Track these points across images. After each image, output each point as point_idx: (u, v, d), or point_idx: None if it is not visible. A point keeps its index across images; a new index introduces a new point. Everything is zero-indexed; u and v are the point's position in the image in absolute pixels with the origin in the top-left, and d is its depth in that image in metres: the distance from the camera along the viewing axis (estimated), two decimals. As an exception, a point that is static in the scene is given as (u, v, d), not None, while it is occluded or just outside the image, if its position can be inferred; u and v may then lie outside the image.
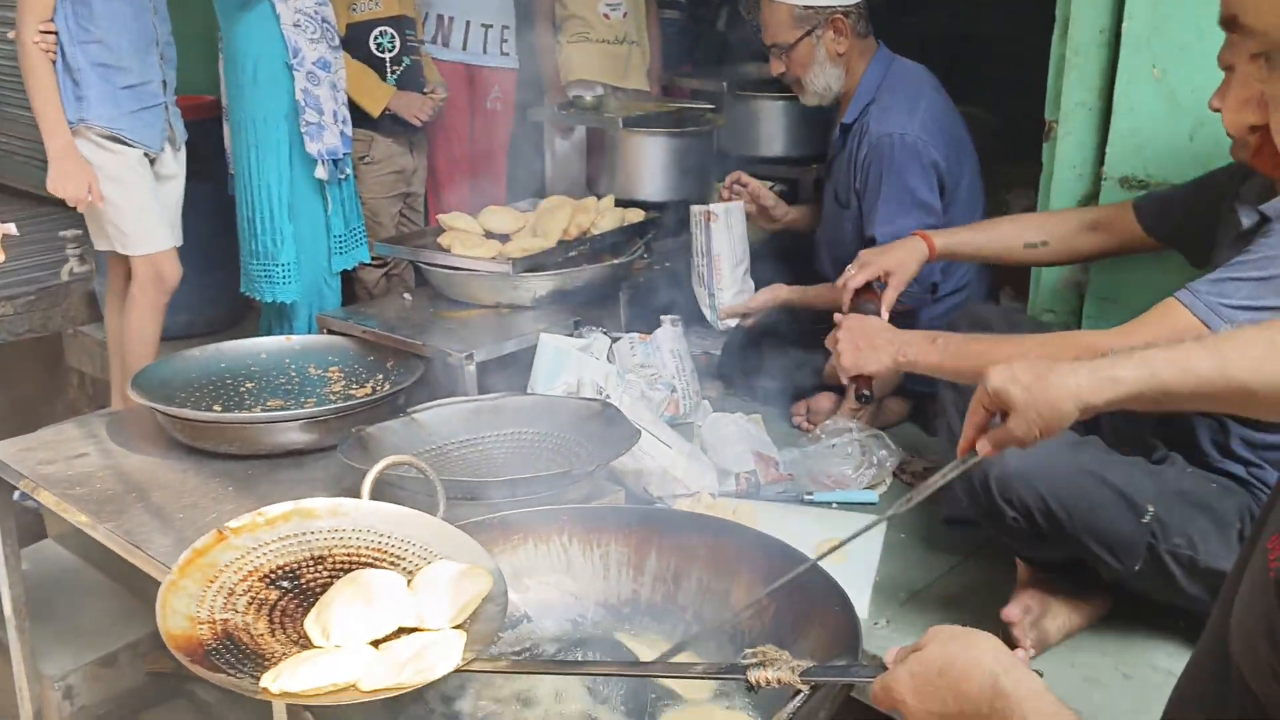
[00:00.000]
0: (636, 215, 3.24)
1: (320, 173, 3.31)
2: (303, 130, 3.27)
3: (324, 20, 3.35)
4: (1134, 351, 1.30)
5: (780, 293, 2.89)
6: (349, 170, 3.44)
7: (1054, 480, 1.84)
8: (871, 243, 2.60)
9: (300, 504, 1.53)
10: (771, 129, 3.89)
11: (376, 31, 3.68)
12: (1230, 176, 2.01)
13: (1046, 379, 1.30)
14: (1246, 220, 1.87)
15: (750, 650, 1.20)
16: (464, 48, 4.12)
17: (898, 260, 2.31)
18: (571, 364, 2.61)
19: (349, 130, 3.40)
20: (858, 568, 2.21)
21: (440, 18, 4.08)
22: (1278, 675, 0.77)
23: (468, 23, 4.10)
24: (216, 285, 4.12)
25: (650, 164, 3.58)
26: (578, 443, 2.22)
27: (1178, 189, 2.21)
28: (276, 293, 3.35)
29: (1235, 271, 1.83)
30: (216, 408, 2.44)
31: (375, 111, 3.66)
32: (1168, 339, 1.37)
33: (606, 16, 4.28)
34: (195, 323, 4.20)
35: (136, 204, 3.16)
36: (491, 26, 4.14)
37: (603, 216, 3.18)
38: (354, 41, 3.62)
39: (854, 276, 2.33)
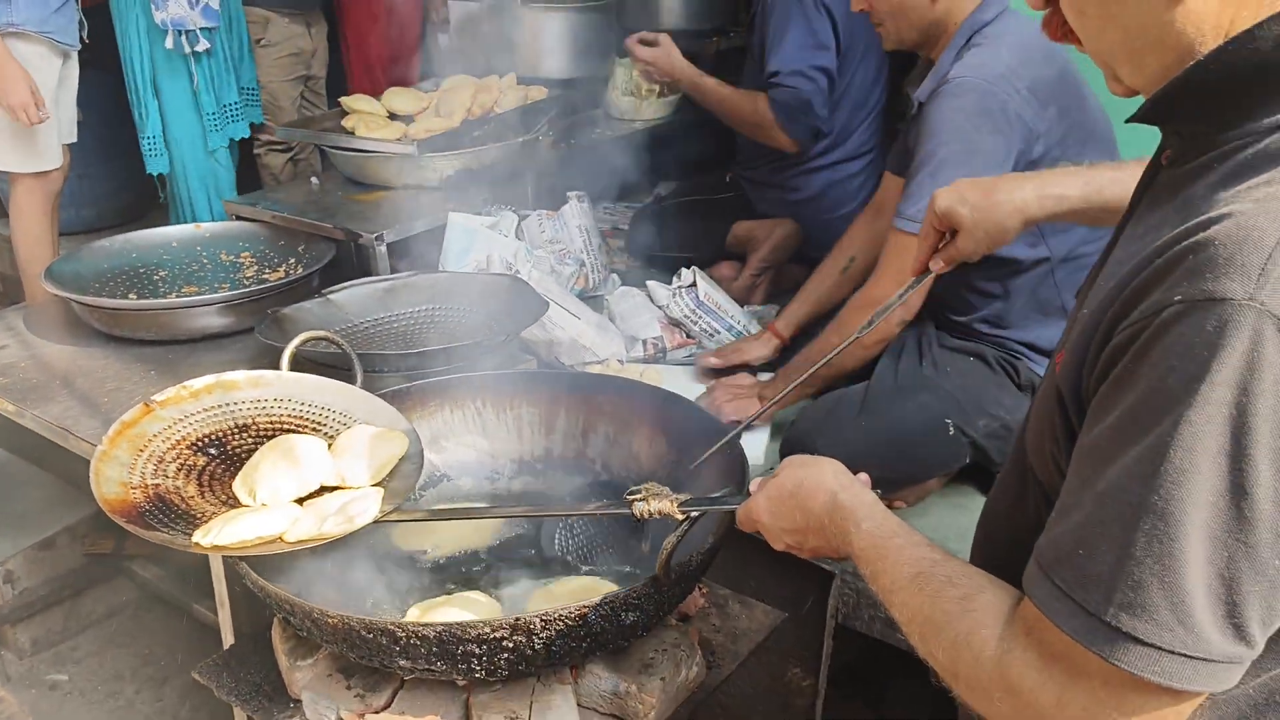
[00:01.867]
0: (539, 93, 3.26)
1: (169, 42, 3.33)
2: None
3: None
4: (1080, 169, 1.41)
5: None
6: (208, 44, 3.44)
7: (868, 460, 1.98)
8: None
9: (222, 376, 1.62)
10: (673, 0, 3.90)
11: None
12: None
13: (993, 196, 1.39)
14: (913, 108, 2.10)
15: (635, 488, 1.34)
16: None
17: (754, 349, 2.58)
18: (481, 241, 2.69)
19: (215, 4, 3.40)
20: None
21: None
22: (1059, 464, 0.92)
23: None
24: (118, 175, 4.06)
25: (551, 40, 3.59)
26: (489, 316, 2.31)
27: (901, 124, 2.37)
28: (150, 165, 3.54)
29: (913, 184, 2.03)
30: (132, 296, 2.48)
31: (271, -14, 3.60)
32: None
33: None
34: (102, 214, 4.15)
35: (40, 126, 3.09)
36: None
37: (505, 95, 3.20)
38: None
39: (710, 363, 2.59)
